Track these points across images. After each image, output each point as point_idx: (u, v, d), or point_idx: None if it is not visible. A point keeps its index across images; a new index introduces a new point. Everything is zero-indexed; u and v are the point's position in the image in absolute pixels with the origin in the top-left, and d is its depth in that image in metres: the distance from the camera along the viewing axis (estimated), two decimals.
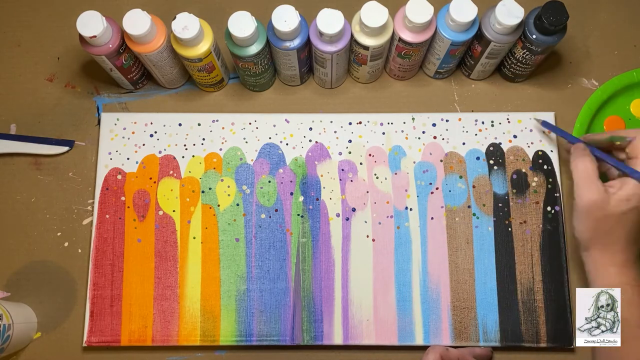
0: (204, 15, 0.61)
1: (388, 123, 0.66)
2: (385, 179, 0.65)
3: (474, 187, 0.64)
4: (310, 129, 0.66)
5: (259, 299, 0.62)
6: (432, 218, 0.64)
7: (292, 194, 0.64)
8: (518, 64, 0.64)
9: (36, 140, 0.67)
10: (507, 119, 0.66)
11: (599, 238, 0.54)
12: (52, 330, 0.62)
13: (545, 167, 0.65)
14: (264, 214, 0.64)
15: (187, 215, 0.64)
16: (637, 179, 0.53)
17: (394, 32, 0.60)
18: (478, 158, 0.65)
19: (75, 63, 0.70)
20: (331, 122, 0.67)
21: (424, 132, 0.66)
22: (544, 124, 0.63)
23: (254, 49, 0.59)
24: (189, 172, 0.65)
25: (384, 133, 0.66)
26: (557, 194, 0.64)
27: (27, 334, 0.61)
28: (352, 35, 0.60)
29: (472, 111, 0.68)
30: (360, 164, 0.65)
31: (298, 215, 0.64)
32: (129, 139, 0.66)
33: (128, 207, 0.64)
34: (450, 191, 0.64)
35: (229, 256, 0.63)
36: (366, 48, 0.60)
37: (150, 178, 0.65)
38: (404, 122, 0.66)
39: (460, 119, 0.67)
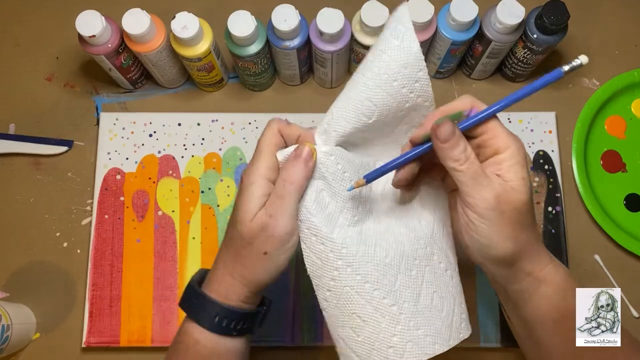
0: (203, 15, 0.60)
1: None
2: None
3: None
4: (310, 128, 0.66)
5: None
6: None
7: None
8: (519, 63, 0.64)
9: (35, 140, 0.67)
10: (508, 119, 0.66)
11: (523, 241, 0.41)
12: (51, 331, 0.62)
13: (546, 167, 0.65)
14: None
15: (186, 216, 0.64)
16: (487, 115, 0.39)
17: None
18: None
19: (74, 63, 0.70)
20: None
21: None
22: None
23: (253, 48, 0.59)
24: (189, 172, 0.65)
25: None
26: (558, 195, 0.64)
27: (26, 335, 0.61)
28: (352, 35, 0.60)
29: None
30: None
31: None
32: (128, 138, 0.66)
33: (127, 207, 0.64)
34: None
35: None
36: (366, 47, 0.60)
37: (150, 178, 0.65)
38: None
39: None
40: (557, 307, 0.43)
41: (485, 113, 0.40)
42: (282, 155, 0.42)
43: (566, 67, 0.39)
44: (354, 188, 0.42)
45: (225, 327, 0.43)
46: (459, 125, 0.40)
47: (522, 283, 0.43)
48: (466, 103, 0.41)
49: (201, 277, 0.46)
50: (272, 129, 0.43)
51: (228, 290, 0.43)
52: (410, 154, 0.42)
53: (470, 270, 0.62)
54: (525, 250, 0.41)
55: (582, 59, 0.39)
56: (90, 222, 0.64)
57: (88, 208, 0.65)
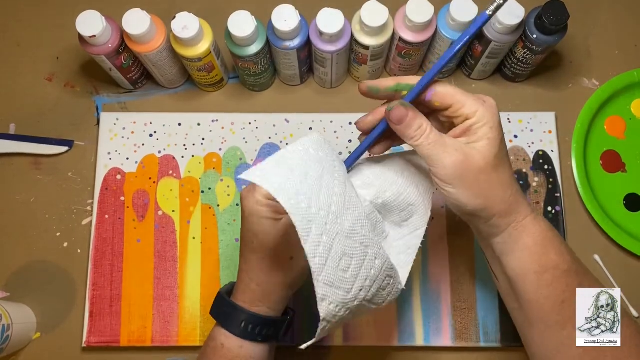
0: (203, 15, 0.60)
1: None
2: None
3: None
4: (310, 128, 0.66)
5: None
6: (432, 218, 0.63)
7: None
8: (519, 63, 0.64)
9: (35, 140, 0.67)
10: (508, 118, 0.66)
11: (495, 197, 0.43)
12: (52, 331, 0.62)
13: (545, 167, 0.65)
14: None
15: (186, 216, 0.64)
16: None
17: (394, 32, 0.60)
18: None
19: (74, 63, 0.70)
20: (331, 122, 0.66)
21: None
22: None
23: (253, 48, 0.59)
24: (189, 172, 0.65)
25: None
26: (558, 194, 0.64)
27: (27, 335, 0.61)
28: (352, 35, 0.60)
29: None
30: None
31: None
32: (128, 138, 0.66)
33: (127, 207, 0.64)
34: None
35: (228, 256, 0.63)
36: (366, 48, 0.60)
37: (150, 178, 0.65)
38: None
39: None
40: (539, 260, 0.44)
41: (427, 79, 0.43)
42: None
43: (489, 11, 0.41)
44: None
45: (250, 333, 0.47)
46: (406, 98, 0.43)
47: (503, 235, 0.45)
48: (413, 78, 0.44)
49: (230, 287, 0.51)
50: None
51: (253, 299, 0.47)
52: (372, 137, 0.46)
53: (470, 272, 0.62)
54: (502, 204, 0.43)
55: None
56: (91, 222, 0.64)
57: (88, 208, 0.65)
